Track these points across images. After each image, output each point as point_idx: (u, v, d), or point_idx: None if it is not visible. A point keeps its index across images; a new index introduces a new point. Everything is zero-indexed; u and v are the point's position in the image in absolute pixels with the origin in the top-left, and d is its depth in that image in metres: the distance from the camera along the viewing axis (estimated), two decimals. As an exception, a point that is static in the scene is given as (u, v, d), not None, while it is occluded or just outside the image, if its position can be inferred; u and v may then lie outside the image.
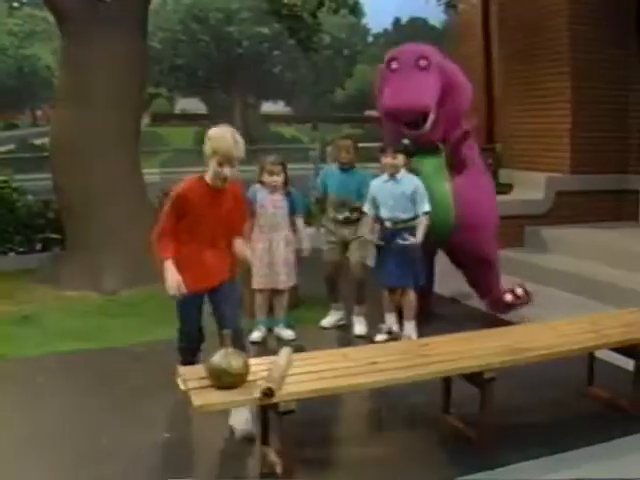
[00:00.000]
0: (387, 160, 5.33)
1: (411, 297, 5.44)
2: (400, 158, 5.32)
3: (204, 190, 3.88)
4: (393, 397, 4.19)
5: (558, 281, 6.81)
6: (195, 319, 4.15)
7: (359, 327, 5.75)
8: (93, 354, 5.32)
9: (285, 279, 5.62)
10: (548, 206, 8.31)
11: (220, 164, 3.80)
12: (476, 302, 6.34)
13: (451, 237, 5.70)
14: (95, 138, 7.40)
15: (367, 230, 5.48)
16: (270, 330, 5.70)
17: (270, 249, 5.54)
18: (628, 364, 4.23)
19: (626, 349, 4.13)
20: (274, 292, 5.66)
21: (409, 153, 5.43)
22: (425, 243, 5.34)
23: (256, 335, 5.58)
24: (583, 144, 8.34)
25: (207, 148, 3.83)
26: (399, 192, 5.29)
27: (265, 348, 5.38)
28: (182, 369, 3.46)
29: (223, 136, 3.82)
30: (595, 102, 8.29)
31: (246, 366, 3.24)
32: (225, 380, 3.17)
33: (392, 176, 5.32)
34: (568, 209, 8.21)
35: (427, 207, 5.29)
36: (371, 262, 5.57)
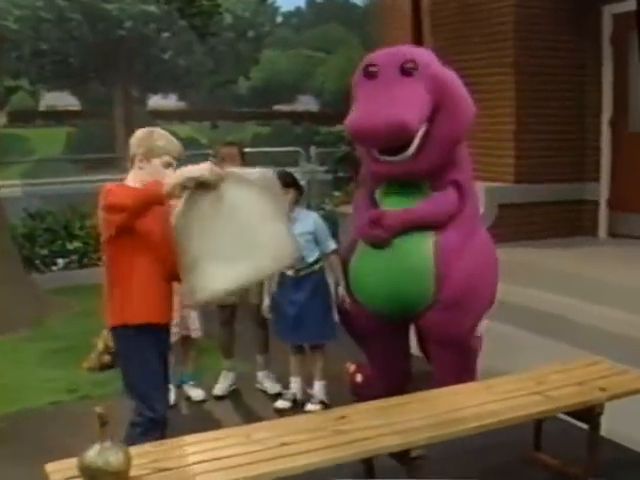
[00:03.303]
0: None
1: (321, 355, 5.51)
2: (292, 193, 5.25)
3: None
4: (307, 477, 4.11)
5: (503, 315, 6.77)
6: (162, 368, 3.99)
7: (269, 385, 5.73)
8: None
9: (198, 325, 5.60)
10: (488, 222, 8.31)
11: (168, 165, 3.95)
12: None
13: (422, 315, 5.01)
14: None
15: (267, 289, 5.39)
16: (179, 386, 5.67)
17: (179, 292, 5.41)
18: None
19: (579, 412, 4.15)
20: (183, 340, 5.61)
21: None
22: (390, 321, 5.12)
23: None
24: (530, 148, 8.46)
25: (151, 148, 3.94)
26: (298, 233, 5.05)
27: (177, 413, 5.26)
28: (50, 466, 3.26)
29: (169, 136, 4.07)
30: (545, 99, 8.43)
31: (127, 461, 3.12)
32: (102, 480, 3.04)
33: None
34: (513, 225, 8.29)
35: (333, 244, 5.30)
36: (267, 313, 5.48)
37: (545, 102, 8.43)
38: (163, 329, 3.96)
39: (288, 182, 5.23)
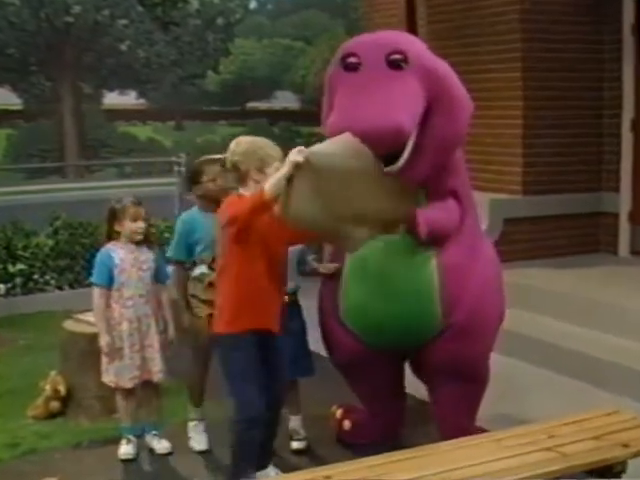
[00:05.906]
0: None
1: (297, 391, 5.58)
2: None
3: None
4: None
5: (508, 347, 6.73)
6: (258, 374, 4.64)
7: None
8: None
9: (161, 367, 5.53)
10: (493, 239, 8.30)
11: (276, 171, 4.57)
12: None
13: (430, 345, 5.01)
14: None
15: None
16: (139, 437, 5.60)
17: (140, 329, 5.41)
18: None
19: (596, 470, 4.11)
20: (144, 385, 5.54)
21: None
22: (389, 353, 5.15)
23: (126, 450, 5.45)
24: (540, 155, 8.50)
25: (264, 159, 4.66)
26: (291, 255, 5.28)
27: (138, 469, 5.22)
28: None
29: (268, 141, 4.79)
30: (557, 98, 8.48)
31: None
32: None
33: None
34: (520, 242, 8.31)
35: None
36: None
37: (557, 102, 8.48)
38: (263, 334, 4.64)
39: None
